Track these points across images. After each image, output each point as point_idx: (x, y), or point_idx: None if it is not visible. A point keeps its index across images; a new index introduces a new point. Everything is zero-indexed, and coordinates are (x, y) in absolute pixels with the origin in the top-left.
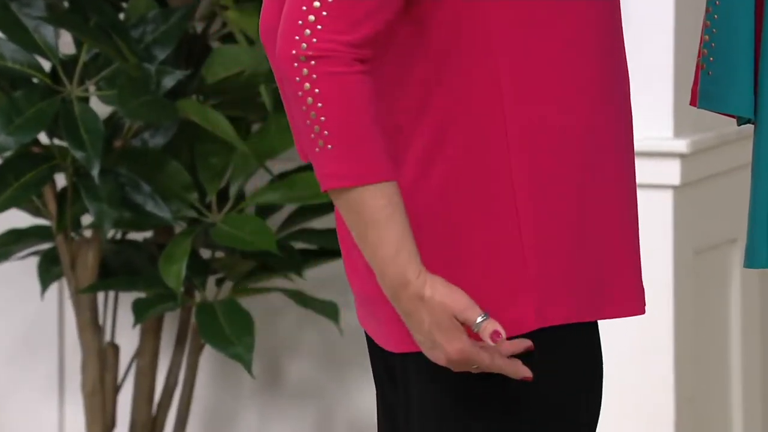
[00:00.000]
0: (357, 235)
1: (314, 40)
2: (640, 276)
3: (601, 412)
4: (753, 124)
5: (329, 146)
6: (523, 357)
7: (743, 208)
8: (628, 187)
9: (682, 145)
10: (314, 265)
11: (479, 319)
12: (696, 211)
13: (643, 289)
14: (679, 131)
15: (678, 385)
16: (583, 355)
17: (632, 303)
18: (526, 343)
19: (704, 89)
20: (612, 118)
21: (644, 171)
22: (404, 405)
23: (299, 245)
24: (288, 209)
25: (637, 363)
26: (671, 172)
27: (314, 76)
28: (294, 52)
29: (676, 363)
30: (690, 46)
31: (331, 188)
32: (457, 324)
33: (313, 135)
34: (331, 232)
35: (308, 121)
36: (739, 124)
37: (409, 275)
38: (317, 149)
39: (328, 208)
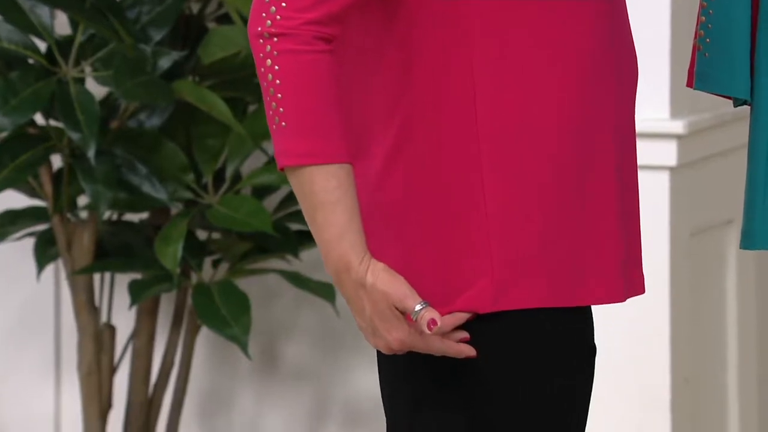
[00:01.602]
0: (306, 215)
1: (278, 17)
2: (633, 262)
3: (589, 396)
4: (749, 105)
5: (283, 123)
6: (497, 337)
7: (740, 189)
8: (618, 175)
9: (678, 126)
10: (311, 246)
11: (418, 308)
12: (692, 192)
13: (636, 276)
14: (675, 112)
15: (674, 366)
16: (561, 339)
17: (616, 290)
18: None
19: (700, 70)
20: (599, 111)
21: (641, 152)
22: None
23: (295, 226)
24: (284, 190)
25: (633, 344)
26: (668, 153)
27: (275, 53)
28: (259, 29)
29: (672, 344)
30: (686, 27)
31: (283, 166)
32: (396, 313)
33: (271, 111)
34: None
35: (268, 98)
36: (735, 106)
37: (352, 260)
38: (274, 126)
39: None
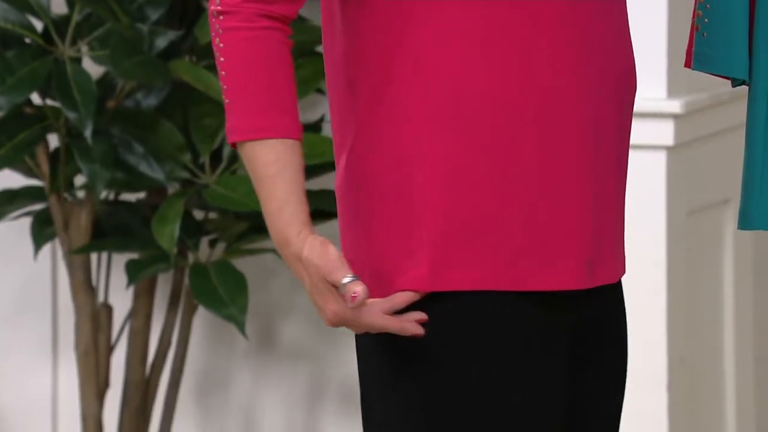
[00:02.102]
0: (255, 190)
1: None
2: (607, 248)
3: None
4: (747, 85)
5: (227, 100)
6: (445, 318)
7: (737, 169)
8: (594, 164)
9: (675, 106)
10: None
11: (345, 280)
12: (689, 172)
13: (606, 263)
14: (673, 92)
15: (670, 347)
16: (507, 323)
17: (572, 276)
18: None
19: (699, 51)
20: (564, 102)
21: (638, 132)
22: None
23: None
24: None
25: (629, 324)
26: (665, 133)
27: (221, 31)
28: (212, 8)
29: (668, 324)
30: (685, 7)
31: (231, 142)
32: (329, 286)
33: (221, 89)
34: (324, 193)
35: (220, 76)
36: (733, 86)
37: (290, 234)
38: (224, 104)
39: (321, 169)
